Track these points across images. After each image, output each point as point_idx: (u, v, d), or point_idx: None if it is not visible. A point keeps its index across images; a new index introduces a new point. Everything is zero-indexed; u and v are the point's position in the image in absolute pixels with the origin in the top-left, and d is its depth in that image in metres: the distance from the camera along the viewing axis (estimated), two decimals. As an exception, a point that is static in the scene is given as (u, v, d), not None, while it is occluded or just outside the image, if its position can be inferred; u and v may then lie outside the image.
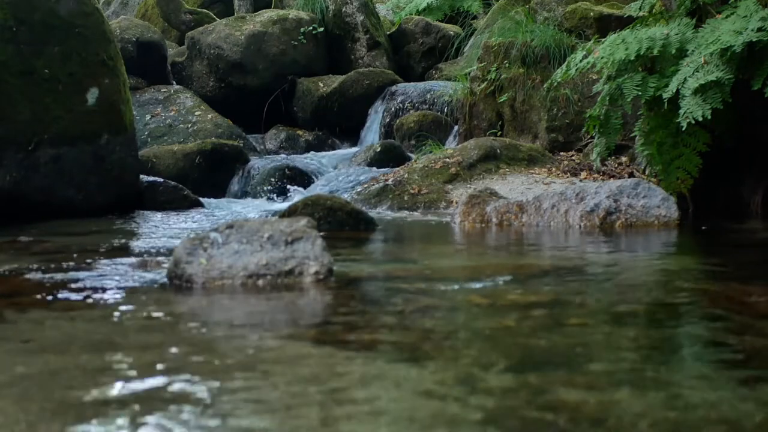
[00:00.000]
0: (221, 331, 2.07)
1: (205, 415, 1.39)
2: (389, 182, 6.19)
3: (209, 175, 7.66)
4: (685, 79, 4.39)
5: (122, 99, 5.95)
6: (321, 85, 9.80)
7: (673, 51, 4.59)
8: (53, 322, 2.18)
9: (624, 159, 6.58)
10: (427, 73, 10.48)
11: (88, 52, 5.70)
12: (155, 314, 2.24)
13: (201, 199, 6.50)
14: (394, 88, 9.39)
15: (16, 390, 1.54)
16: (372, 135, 9.24)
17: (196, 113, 9.34)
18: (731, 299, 2.38)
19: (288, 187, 7.50)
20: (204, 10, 11.98)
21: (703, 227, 4.50)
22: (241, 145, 8.51)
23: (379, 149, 7.79)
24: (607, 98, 4.91)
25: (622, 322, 2.11)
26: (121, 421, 1.37)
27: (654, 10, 5.44)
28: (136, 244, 4.16)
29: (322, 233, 2.76)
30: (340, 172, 7.52)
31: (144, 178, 6.33)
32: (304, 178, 7.65)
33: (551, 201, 4.48)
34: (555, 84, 5.74)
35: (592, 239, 3.99)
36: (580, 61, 5.05)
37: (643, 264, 3.27)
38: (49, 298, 2.49)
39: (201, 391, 1.51)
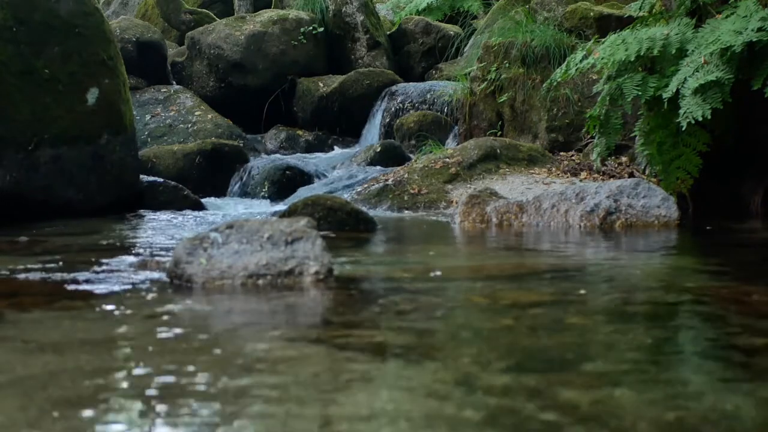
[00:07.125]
0: (221, 331, 2.07)
1: (204, 415, 1.39)
2: (389, 182, 6.19)
3: (209, 175, 7.66)
4: (685, 79, 4.39)
5: (122, 99, 5.95)
6: (321, 85, 9.80)
7: (673, 51, 4.59)
8: (53, 322, 2.18)
9: (624, 159, 6.58)
10: (427, 73, 10.48)
11: (88, 52, 5.70)
12: (155, 314, 2.24)
13: (201, 199, 6.50)
14: (394, 88, 9.39)
15: (16, 390, 1.54)
16: (372, 135, 9.23)
17: (196, 113, 9.34)
18: (731, 299, 2.38)
19: (288, 187, 7.48)
20: (204, 10, 11.98)
21: (703, 227, 4.49)
22: (241, 145, 8.51)
23: (379, 149, 7.79)
24: (607, 98, 4.91)
25: (622, 321, 2.11)
26: (122, 420, 1.37)
27: (654, 10, 5.44)
28: (136, 244, 4.16)
29: (322, 233, 2.76)
30: (340, 172, 7.52)
31: (144, 178, 6.33)
32: (304, 178, 7.64)
33: (551, 201, 4.48)
34: (555, 84, 5.74)
35: (592, 239, 3.99)
36: (580, 61, 5.05)
37: (642, 264, 3.27)
38: (49, 298, 2.49)
39: (201, 391, 1.52)
